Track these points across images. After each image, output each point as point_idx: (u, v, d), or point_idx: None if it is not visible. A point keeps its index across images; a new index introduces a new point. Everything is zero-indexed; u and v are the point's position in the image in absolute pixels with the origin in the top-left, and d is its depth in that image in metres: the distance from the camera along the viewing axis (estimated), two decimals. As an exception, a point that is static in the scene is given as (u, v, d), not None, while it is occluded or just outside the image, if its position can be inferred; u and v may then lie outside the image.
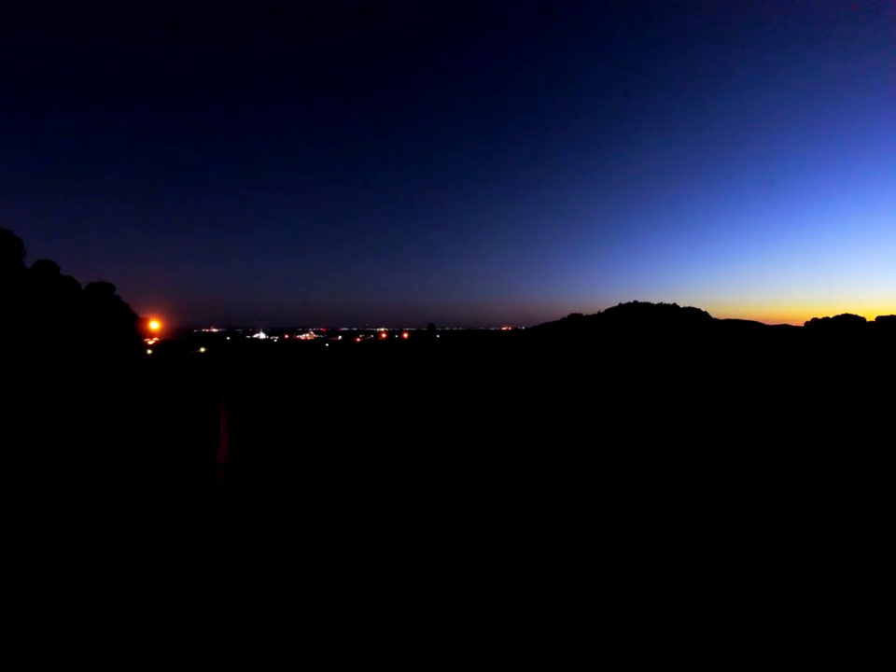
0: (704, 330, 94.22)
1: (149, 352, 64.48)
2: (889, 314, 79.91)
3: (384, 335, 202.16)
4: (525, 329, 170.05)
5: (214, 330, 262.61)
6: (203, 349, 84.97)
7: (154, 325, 68.32)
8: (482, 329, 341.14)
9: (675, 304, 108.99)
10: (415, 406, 21.97)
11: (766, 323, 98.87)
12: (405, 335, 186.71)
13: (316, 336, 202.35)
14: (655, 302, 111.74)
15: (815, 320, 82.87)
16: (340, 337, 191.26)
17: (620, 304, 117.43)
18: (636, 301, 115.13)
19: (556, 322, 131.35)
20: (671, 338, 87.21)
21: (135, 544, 7.44)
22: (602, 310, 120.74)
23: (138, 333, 59.78)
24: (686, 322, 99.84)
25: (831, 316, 79.88)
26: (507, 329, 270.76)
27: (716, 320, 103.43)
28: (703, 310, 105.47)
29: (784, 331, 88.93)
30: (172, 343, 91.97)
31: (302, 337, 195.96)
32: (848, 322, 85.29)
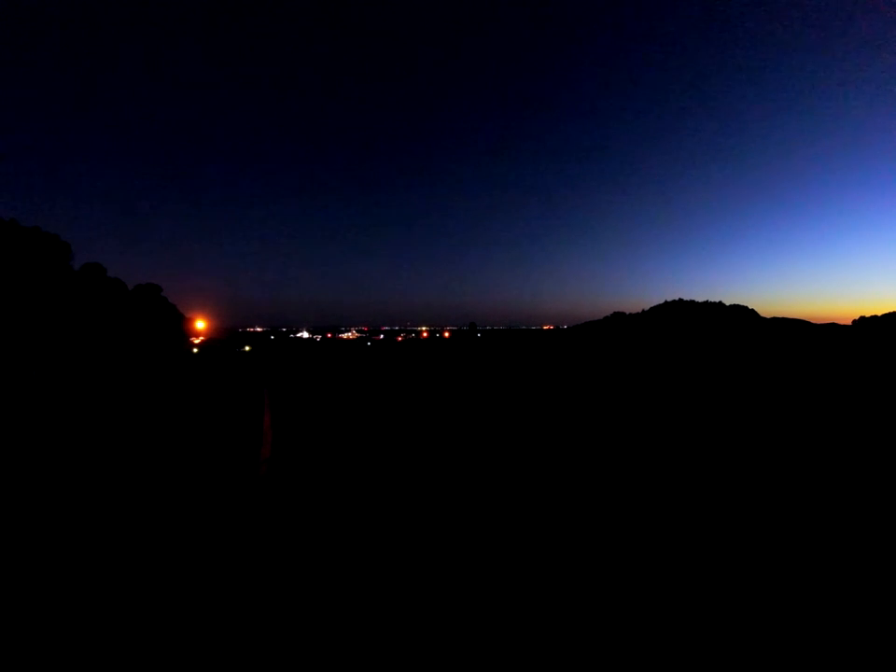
0: (751, 329, 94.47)
1: (195, 350, 66.53)
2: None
3: (425, 334, 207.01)
4: (568, 327, 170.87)
5: (258, 329, 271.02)
6: (247, 348, 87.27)
7: (200, 324, 71.39)
8: (523, 327, 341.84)
9: (721, 302, 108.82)
10: (453, 408, 22.48)
11: (813, 321, 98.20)
12: (446, 334, 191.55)
13: (359, 335, 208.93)
14: (700, 300, 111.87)
15: (862, 318, 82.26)
16: (381, 336, 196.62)
17: (665, 302, 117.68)
18: (680, 299, 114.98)
19: (599, 321, 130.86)
20: (718, 336, 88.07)
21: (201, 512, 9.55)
22: (646, 308, 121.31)
23: (185, 333, 63.67)
24: (733, 320, 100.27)
25: (879, 314, 79.33)
26: (548, 328, 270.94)
27: (763, 318, 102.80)
28: (749, 307, 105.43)
29: (832, 330, 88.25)
30: (217, 342, 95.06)
31: (345, 336, 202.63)
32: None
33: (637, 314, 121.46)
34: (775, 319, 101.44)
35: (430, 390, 29.59)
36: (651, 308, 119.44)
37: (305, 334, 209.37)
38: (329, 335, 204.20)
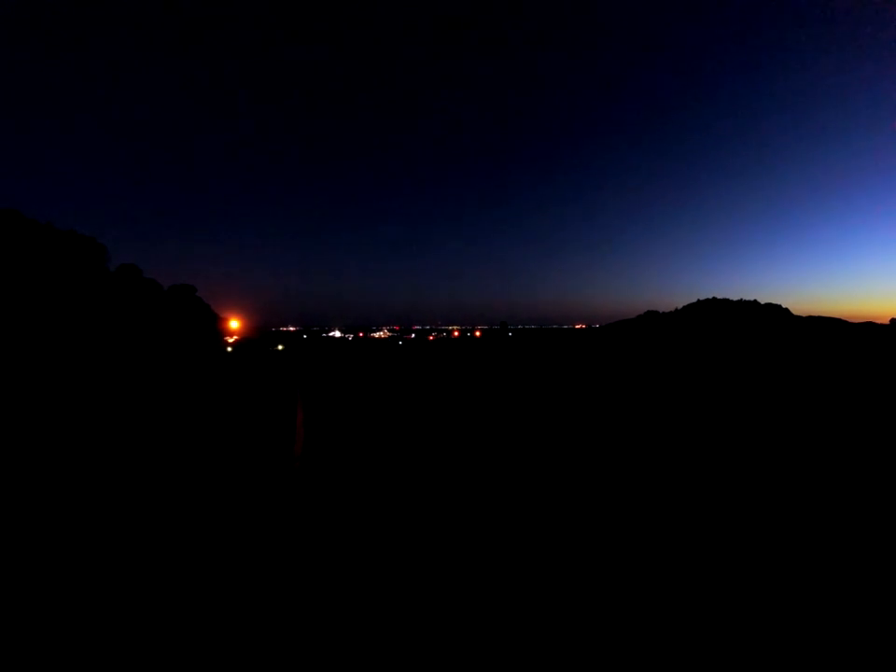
0: (786, 328, 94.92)
1: (230, 349, 68.05)
2: None
3: (456, 333, 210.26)
4: (599, 326, 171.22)
5: (291, 329, 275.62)
6: (280, 347, 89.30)
7: (234, 324, 73.11)
8: (554, 326, 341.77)
9: (755, 301, 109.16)
10: (483, 408, 22.99)
11: (850, 320, 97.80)
12: (477, 333, 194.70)
13: (390, 334, 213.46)
14: (734, 298, 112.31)
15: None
16: (413, 335, 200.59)
17: (698, 300, 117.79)
18: (714, 298, 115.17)
19: (632, 319, 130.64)
20: (752, 335, 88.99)
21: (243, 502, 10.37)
22: (679, 306, 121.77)
23: (220, 332, 65.07)
24: (767, 319, 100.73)
25: (917, 314, 78.86)
26: (580, 327, 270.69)
27: (798, 317, 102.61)
28: (784, 306, 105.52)
29: (868, 329, 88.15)
30: (251, 341, 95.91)
31: (377, 335, 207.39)
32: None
33: (671, 312, 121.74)
34: (809, 318, 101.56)
35: (460, 389, 30.13)
36: (685, 306, 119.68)
37: (337, 333, 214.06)
38: (361, 334, 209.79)
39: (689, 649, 5.46)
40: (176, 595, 6.63)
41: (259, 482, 11.52)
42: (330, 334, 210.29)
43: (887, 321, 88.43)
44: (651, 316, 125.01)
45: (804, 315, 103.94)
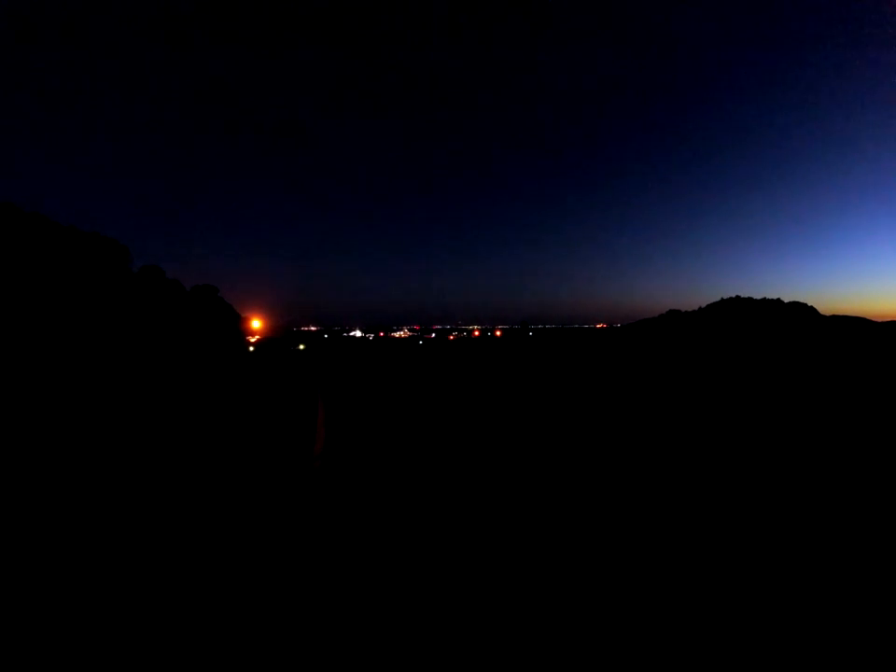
0: (812, 327, 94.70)
1: (252, 349, 68.86)
2: None
3: (476, 333, 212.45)
4: (621, 326, 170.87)
5: (312, 328, 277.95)
6: (301, 346, 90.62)
7: (256, 323, 74.65)
8: (576, 326, 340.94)
9: (779, 299, 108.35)
10: (503, 408, 22.94)
11: (875, 319, 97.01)
12: (498, 333, 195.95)
13: (410, 333, 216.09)
14: (758, 297, 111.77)
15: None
16: (433, 335, 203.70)
17: (721, 299, 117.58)
18: (737, 296, 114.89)
19: (654, 318, 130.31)
20: (777, 335, 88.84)
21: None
22: (702, 305, 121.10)
23: (242, 332, 65.74)
24: (792, 318, 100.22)
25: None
26: (601, 327, 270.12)
27: (823, 316, 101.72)
28: (809, 305, 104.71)
29: (895, 328, 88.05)
30: (273, 341, 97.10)
31: (397, 335, 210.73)
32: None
33: (694, 311, 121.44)
34: (834, 317, 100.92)
35: (479, 388, 30.40)
36: (708, 305, 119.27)
37: (358, 333, 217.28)
38: (382, 334, 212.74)
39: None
40: (197, 584, 7.01)
41: (280, 479, 11.88)
42: (351, 334, 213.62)
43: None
44: (674, 315, 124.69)
45: (829, 314, 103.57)
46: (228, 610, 6.37)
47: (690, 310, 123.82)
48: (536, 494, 11.05)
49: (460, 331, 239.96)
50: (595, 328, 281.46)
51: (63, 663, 5.35)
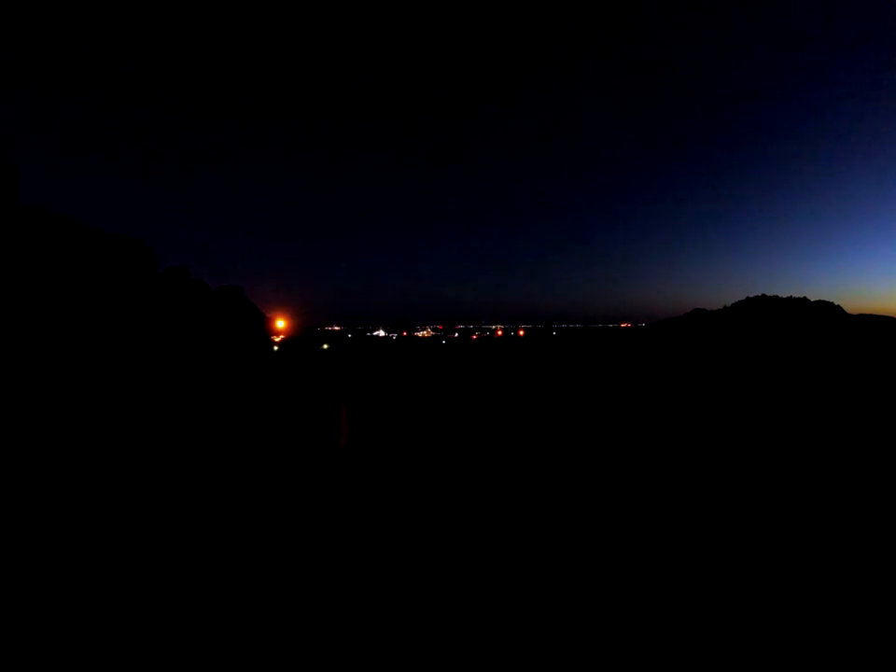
0: (839, 326, 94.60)
1: (276, 348, 69.68)
2: None
3: (499, 332, 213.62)
4: (646, 325, 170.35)
5: (336, 328, 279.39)
6: (325, 346, 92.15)
7: (280, 323, 76.37)
8: (599, 325, 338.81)
9: (805, 298, 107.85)
10: (525, 407, 23.19)
11: None
12: (521, 332, 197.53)
13: (433, 333, 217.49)
14: (784, 296, 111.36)
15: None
16: (456, 334, 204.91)
17: (747, 298, 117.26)
18: (763, 295, 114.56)
19: (679, 318, 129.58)
20: (804, 334, 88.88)
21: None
22: (727, 304, 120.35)
23: (266, 331, 66.55)
24: (819, 317, 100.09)
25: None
26: (626, 326, 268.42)
27: (850, 315, 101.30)
28: (836, 303, 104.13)
29: None
30: (297, 341, 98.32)
31: (420, 334, 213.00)
32: None
33: (719, 310, 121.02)
34: (861, 316, 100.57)
35: (502, 388, 30.84)
36: (734, 304, 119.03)
37: (381, 332, 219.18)
38: (405, 333, 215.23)
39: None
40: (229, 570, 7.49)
41: (305, 475, 12.26)
42: (375, 333, 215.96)
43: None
44: (699, 315, 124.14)
45: (855, 312, 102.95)
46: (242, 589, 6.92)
47: (715, 309, 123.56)
48: (550, 490, 11.34)
49: (483, 331, 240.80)
50: (620, 327, 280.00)
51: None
